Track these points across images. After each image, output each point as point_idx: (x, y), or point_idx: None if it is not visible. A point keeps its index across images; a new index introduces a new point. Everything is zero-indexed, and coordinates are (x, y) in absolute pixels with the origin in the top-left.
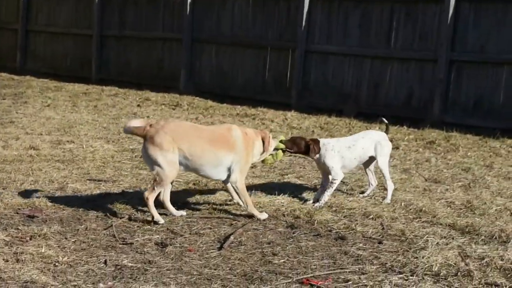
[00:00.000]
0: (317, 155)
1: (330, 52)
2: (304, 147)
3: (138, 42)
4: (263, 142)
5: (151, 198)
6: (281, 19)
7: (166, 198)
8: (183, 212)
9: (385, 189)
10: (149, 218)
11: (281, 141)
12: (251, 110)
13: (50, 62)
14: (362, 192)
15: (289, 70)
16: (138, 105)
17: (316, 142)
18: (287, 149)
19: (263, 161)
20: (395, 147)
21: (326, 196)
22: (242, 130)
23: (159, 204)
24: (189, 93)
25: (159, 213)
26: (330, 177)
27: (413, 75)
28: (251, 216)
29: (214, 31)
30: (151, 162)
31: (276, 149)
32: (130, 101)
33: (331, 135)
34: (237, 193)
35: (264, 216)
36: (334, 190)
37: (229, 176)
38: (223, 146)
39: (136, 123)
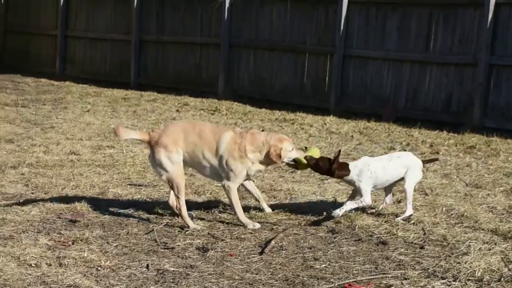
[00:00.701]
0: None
1: (368, 56)
2: (326, 172)
3: (176, 47)
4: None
5: (182, 208)
6: (319, 24)
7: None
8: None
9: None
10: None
11: (305, 157)
12: (290, 115)
13: (89, 68)
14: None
15: (328, 74)
16: (177, 110)
17: (343, 167)
18: (309, 166)
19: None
20: (436, 152)
21: (349, 206)
22: (233, 136)
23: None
24: (227, 98)
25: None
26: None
27: (452, 80)
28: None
29: (252, 36)
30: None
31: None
32: (169, 106)
33: (371, 140)
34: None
35: (256, 225)
36: (359, 207)
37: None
38: (210, 148)
39: (136, 135)
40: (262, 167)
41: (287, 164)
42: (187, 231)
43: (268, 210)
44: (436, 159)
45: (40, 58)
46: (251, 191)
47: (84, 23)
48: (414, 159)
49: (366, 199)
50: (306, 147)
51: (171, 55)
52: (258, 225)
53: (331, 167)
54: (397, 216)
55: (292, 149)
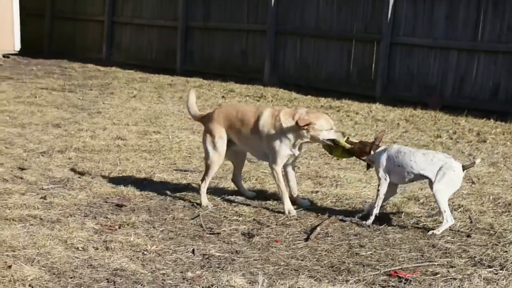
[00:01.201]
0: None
1: (415, 44)
2: (365, 155)
3: (222, 34)
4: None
5: (203, 187)
6: (366, 11)
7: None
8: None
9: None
10: (236, 209)
11: (347, 141)
12: (336, 102)
13: (136, 54)
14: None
15: (374, 62)
16: (223, 97)
17: (376, 148)
18: (350, 150)
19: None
20: (482, 141)
21: (374, 210)
22: (271, 111)
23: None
24: (273, 84)
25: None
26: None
27: (500, 68)
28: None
29: (298, 23)
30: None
31: (336, 143)
32: (215, 93)
33: (417, 128)
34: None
35: (292, 212)
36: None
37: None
38: (252, 128)
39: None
40: (301, 141)
41: (323, 146)
42: (232, 217)
43: (304, 203)
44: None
45: (87, 44)
46: (289, 180)
47: (131, 9)
48: (446, 159)
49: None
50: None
51: (217, 41)
52: (294, 213)
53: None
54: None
55: (331, 129)
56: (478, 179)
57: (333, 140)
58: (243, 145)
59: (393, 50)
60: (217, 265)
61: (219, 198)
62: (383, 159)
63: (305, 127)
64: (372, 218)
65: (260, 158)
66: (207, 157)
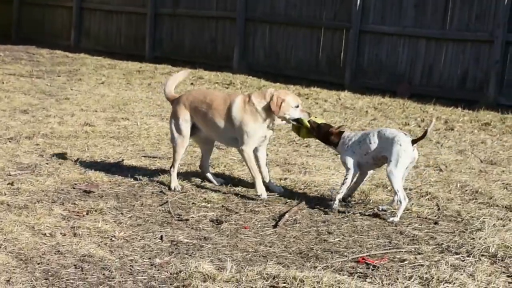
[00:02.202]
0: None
1: (384, 32)
2: (323, 135)
3: (191, 21)
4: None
5: (173, 169)
6: None
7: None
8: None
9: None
10: (205, 195)
11: (309, 121)
12: (305, 90)
13: (104, 40)
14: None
15: (343, 50)
16: (192, 84)
17: (338, 134)
18: (310, 129)
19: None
20: (450, 128)
21: (339, 194)
22: (242, 97)
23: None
24: (242, 72)
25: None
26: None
27: (468, 57)
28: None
29: (267, 10)
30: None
31: (300, 123)
32: (184, 80)
33: (386, 116)
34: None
35: (264, 195)
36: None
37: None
38: (222, 114)
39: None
40: (272, 120)
41: (292, 124)
42: (201, 203)
43: (277, 189)
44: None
45: (55, 30)
46: (261, 166)
47: None
48: (393, 133)
49: (349, 173)
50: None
51: (186, 28)
52: (266, 195)
53: (328, 132)
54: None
55: (297, 107)
56: (446, 166)
57: (297, 120)
58: (209, 131)
59: (362, 38)
60: (185, 252)
61: (188, 184)
62: (345, 149)
63: (276, 107)
64: (336, 202)
65: (226, 143)
66: (172, 139)
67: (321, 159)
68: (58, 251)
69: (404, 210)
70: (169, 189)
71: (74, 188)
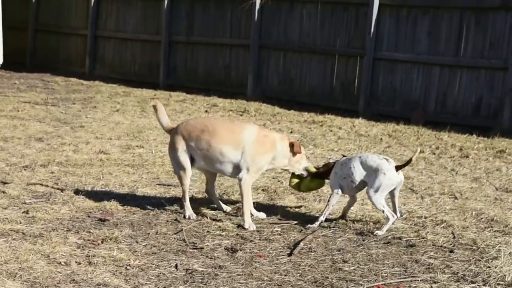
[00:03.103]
0: None
1: (398, 59)
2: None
3: (205, 48)
4: (292, 147)
5: (183, 199)
6: (349, 26)
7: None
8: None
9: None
10: (220, 224)
11: (315, 167)
12: (319, 117)
13: (119, 68)
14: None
15: (357, 77)
16: (206, 111)
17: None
18: (318, 172)
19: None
20: (465, 156)
21: (321, 217)
22: (259, 130)
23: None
24: (256, 99)
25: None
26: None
27: (482, 84)
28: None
29: (281, 37)
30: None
31: (304, 175)
32: (198, 107)
33: (400, 143)
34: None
35: (252, 227)
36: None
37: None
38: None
39: (164, 121)
40: (282, 163)
41: (290, 181)
42: (216, 232)
43: (260, 215)
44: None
45: (70, 58)
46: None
47: (114, 23)
48: (376, 161)
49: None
50: None
51: (200, 56)
52: (254, 227)
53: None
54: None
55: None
56: (461, 194)
57: (305, 168)
58: (205, 160)
59: (376, 65)
60: (200, 280)
61: (203, 212)
62: (333, 173)
63: (298, 148)
64: (317, 223)
65: (226, 172)
66: (175, 170)
67: None
68: (73, 279)
69: (419, 238)
70: (184, 217)
71: (89, 217)
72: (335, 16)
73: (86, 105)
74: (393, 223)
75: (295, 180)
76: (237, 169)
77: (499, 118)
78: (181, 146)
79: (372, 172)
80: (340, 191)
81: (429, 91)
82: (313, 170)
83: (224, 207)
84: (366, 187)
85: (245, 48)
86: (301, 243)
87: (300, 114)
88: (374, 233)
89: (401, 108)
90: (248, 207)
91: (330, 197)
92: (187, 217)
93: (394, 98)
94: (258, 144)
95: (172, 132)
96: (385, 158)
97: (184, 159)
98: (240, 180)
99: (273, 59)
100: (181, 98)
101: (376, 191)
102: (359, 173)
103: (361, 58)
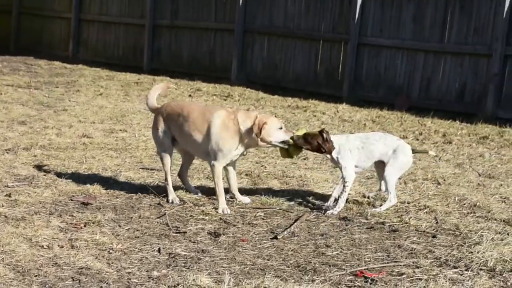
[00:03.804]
0: (331, 155)
1: (383, 45)
2: (316, 147)
3: (190, 32)
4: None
5: (166, 181)
6: (334, 11)
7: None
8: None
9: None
10: (203, 208)
11: (292, 138)
12: (303, 102)
13: (102, 51)
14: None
15: (341, 62)
16: (190, 95)
17: (329, 141)
18: (299, 146)
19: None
20: (448, 142)
21: (342, 203)
22: (226, 114)
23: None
24: (241, 84)
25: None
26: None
27: (466, 70)
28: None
29: (266, 22)
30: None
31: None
32: (182, 91)
33: (384, 129)
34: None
35: (226, 211)
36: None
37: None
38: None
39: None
40: (254, 143)
41: (280, 150)
42: (199, 216)
43: (244, 200)
44: (426, 151)
45: (54, 41)
46: (230, 178)
47: (98, 6)
48: (396, 142)
49: (349, 177)
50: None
51: (185, 40)
52: (228, 211)
53: (323, 142)
54: (380, 205)
55: (281, 128)
56: (444, 180)
57: (283, 142)
58: (184, 143)
59: (360, 50)
60: (183, 264)
61: (186, 197)
62: (348, 157)
63: (258, 129)
64: (338, 210)
65: (201, 156)
66: (157, 150)
67: (319, 172)
68: (56, 263)
69: (402, 223)
70: (167, 201)
71: (71, 200)
72: (320, 1)
73: (69, 88)
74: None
75: (283, 149)
76: (208, 154)
77: (483, 104)
78: (161, 126)
79: (393, 151)
80: (354, 175)
81: (413, 76)
82: (291, 142)
83: (195, 191)
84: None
85: (230, 32)
86: (292, 227)
87: (284, 99)
88: (372, 210)
89: (385, 94)
90: (221, 192)
91: (345, 183)
92: (170, 201)
93: (378, 84)
94: (222, 129)
95: (156, 112)
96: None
97: (164, 139)
98: (210, 165)
99: (257, 44)
100: (165, 82)
101: (396, 169)
102: (380, 152)
103: (345, 43)
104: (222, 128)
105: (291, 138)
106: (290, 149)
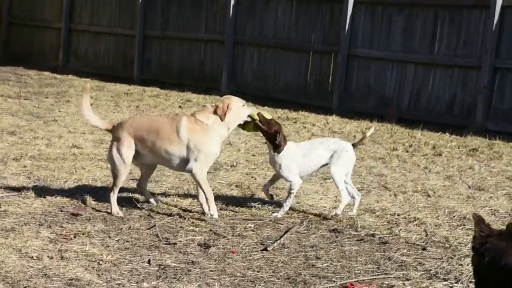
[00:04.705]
0: (275, 153)
1: (373, 57)
2: (273, 132)
3: (180, 43)
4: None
5: (111, 196)
6: (324, 23)
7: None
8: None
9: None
10: (192, 219)
11: (258, 114)
12: (293, 114)
13: (92, 62)
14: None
15: (331, 74)
16: (180, 106)
17: (285, 140)
18: (259, 123)
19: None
20: (438, 154)
21: (286, 207)
22: (187, 118)
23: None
24: (231, 94)
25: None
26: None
27: (456, 82)
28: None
29: (256, 33)
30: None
31: (251, 118)
32: (172, 102)
33: (374, 141)
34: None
35: (216, 215)
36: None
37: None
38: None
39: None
40: (226, 131)
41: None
42: (189, 227)
43: (209, 213)
44: (364, 136)
45: (44, 51)
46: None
47: (88, 17)
48: (336, 143)
49: (295, 185)
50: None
51: (175, 51)
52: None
53: (277, 132)
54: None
55: (244, 105)
56: (434, 192)
57: (249, 115)
58: (155, 157)
59: (350, 62)
60: (173, 276)
61: (176, 208)
62: (291, 162)
63: (222, 112)
64: (282, 213)
65: (175, 168)
66: (113, 167)
67: (309, 183)
68: (45, 274)
69: (392, 236)
70: (110, 213)
71: (61, 211)
72: (310, 12)
73: (59, 99)
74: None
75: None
76: (185, 162)
77: (472, 116)
78: (127, 142)
79: (334, 152)
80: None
81: (403, 88)
82: (256, 117)
83: (153, 201)
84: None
85: (220, 43)
86: (282, 238)
87: (274, 111)
88: (333, 213)
89: (375, 105)
90: (211, 196)
91: (291, 190)
92: (114, 213)
93: (368, 95)
94: (192, 133)
95: (117, 129)
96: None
97: (128, 155)
98: (191, 171)
99: (247, 55)
100: (155, 93)
101: (340, 168)
102: (323, 158)
103: (335, 54)
104: (192, 131)
105: (258, 114)
106: (249, 125)
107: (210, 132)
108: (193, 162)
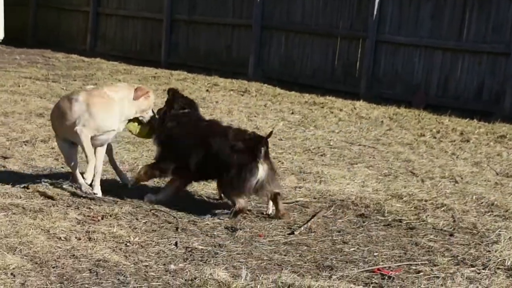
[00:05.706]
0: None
1: (400, 42)
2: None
3: (207, 27)
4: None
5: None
6: (352, 8)
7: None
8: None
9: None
10: (219, 201)
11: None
12: (320, 99)
13: (120, 45)
14: None
15: (359, 59)
16: (207, 90)
17: None
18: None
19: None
20: (466, 140)
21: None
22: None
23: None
24: (258, 79)
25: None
26: None
27: (484, 68)
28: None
29: (284, 18)
30: None
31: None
32: (199, 86)
33: (401, 126)
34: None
35: (89, 182)
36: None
37: None
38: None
39: None
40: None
41: (138, 124)
42: (216, 210)
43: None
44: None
45: (72, 34)
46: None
47: (116, 0)
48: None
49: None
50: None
51: (202, 35)
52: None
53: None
54: None
55: (151, 108)
56: (462, 178)
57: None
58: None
59: (378, 48)
60: (200, 258)
61: (202, 190)
62: None
63: (143, 95)
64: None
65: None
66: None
67: (337, 168)
68: (73, 255)
69: (419, 221)
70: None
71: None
72: None
73: (87, 82)
74: None
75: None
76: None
77: (501, 103)
78: (55, 131)
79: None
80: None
81: (431, 74)
82: (132, 129)
83: (125, 179)
84: None
85: (247, 28)
86: (309, 223)
87: (301, 96)
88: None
89: (402, 91)
90: (93, 158)
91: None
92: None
93: (396, 81)
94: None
95: None
96: None
97: (59, 143)
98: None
99: (275, 40)
100: (182, 76)
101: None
102: None
103: (363, 40)
104: (89, 99)
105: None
106: (144, 127)
107: (110, 104)
108: (81, 122)
